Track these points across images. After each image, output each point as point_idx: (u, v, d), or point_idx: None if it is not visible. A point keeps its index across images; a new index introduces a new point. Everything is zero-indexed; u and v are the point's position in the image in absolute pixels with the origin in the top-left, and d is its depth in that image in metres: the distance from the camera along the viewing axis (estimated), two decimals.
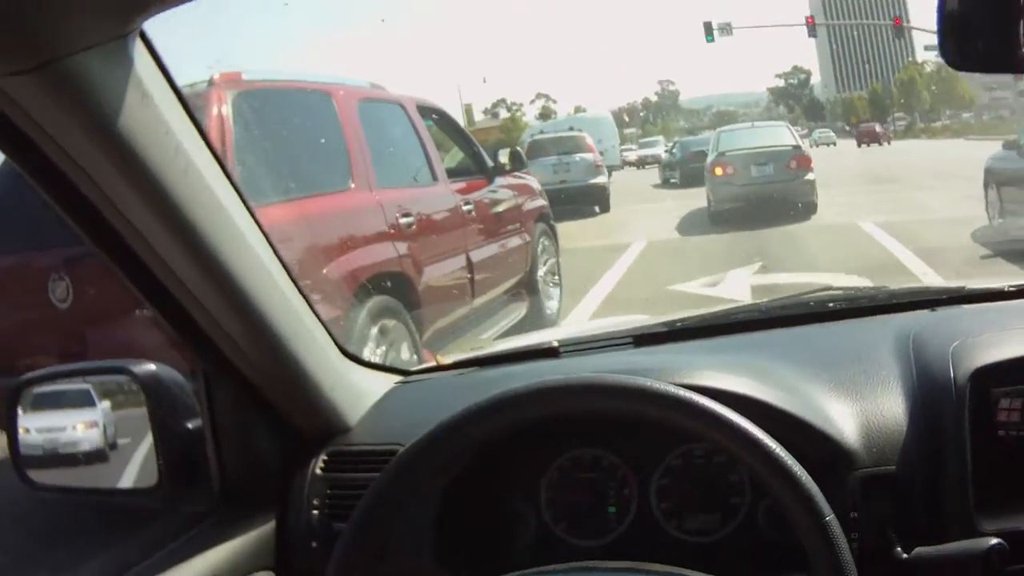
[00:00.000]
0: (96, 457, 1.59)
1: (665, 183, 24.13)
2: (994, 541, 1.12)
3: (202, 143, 1.17)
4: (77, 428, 1.56)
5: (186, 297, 1.24)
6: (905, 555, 1.17)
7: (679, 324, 1.73)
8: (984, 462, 1.24)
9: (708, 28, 31.92)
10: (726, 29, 33.15)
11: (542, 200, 7.87)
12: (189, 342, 1.33)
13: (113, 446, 1.59)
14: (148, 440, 1.44)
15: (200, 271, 1.20)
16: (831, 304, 1.76)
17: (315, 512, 1.42)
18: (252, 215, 1.27)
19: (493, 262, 6.40)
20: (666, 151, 29.66)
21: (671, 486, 1.36)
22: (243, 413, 1.42)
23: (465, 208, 6.17)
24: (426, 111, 6.41)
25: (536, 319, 6.87)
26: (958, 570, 1.14)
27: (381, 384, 1.64)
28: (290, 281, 1.36)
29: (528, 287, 7.04)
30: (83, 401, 1.58)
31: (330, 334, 1.49)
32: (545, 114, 61.41)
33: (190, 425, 1.43)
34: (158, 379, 1.40)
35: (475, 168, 6.85)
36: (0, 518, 3.40)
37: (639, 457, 1.38)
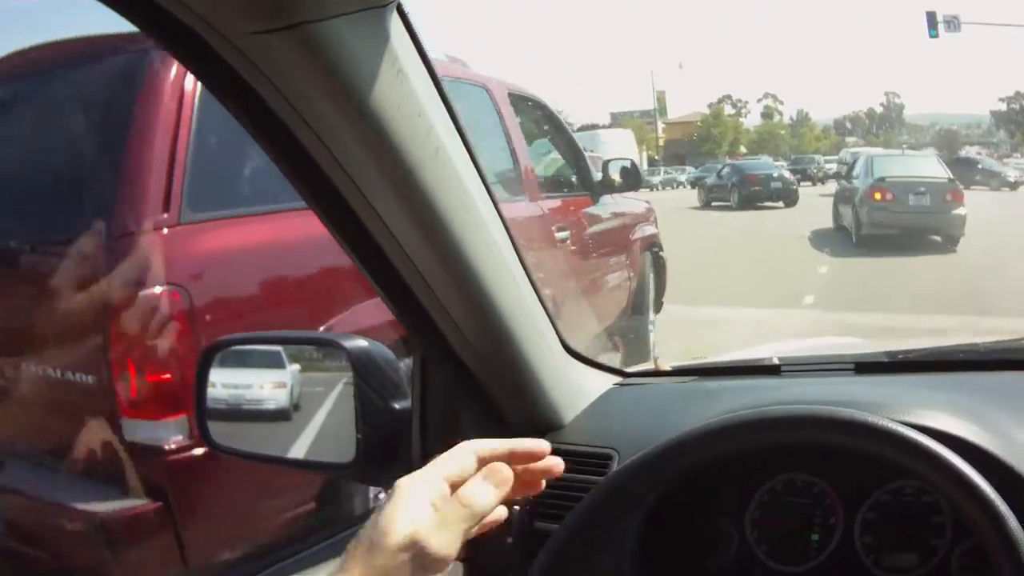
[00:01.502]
0: (279, 416, 1.62)
1: (706, 206, 23.83)
2: None
3: (454, 127, 1.16)
4: (264, 387, 1.59)
5: (414, 278, 1.25)
6: None
7: (901, 356, 1.68)
8: None
9: (932, 21, 29.26)
10: (953, 24, 30.35)
11: (654, 227, 7.00)
12: (411, 322, 1.33)
13: (297, 407, 1.60)
14: (327, 410, 1.47)
15: (435, 254, 1.20)
16: None
17: (516, 507, 1.39)
18: (495, 205, 1.27)
19: (585, 306, 5.45)
20: (711, 172, 28.61)
21: (877, 521, 1.34)
22: (455, 399, 1.43)
23: (559, 235, 5.14)
24: (520, 101, 5.32)
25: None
26: None
27: (598, 383, 1.60)
28: (525, 273, 1.35)
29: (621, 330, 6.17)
30: (274, 362, 1.60)
31: (555, 328, 1.46)
32: (768, 114, 58.25)
33: (396, 405, 1.44)
34: (369, 355, 1.41)
35: (578, 182, 5.86)
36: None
37: (850, 488, 1.37)
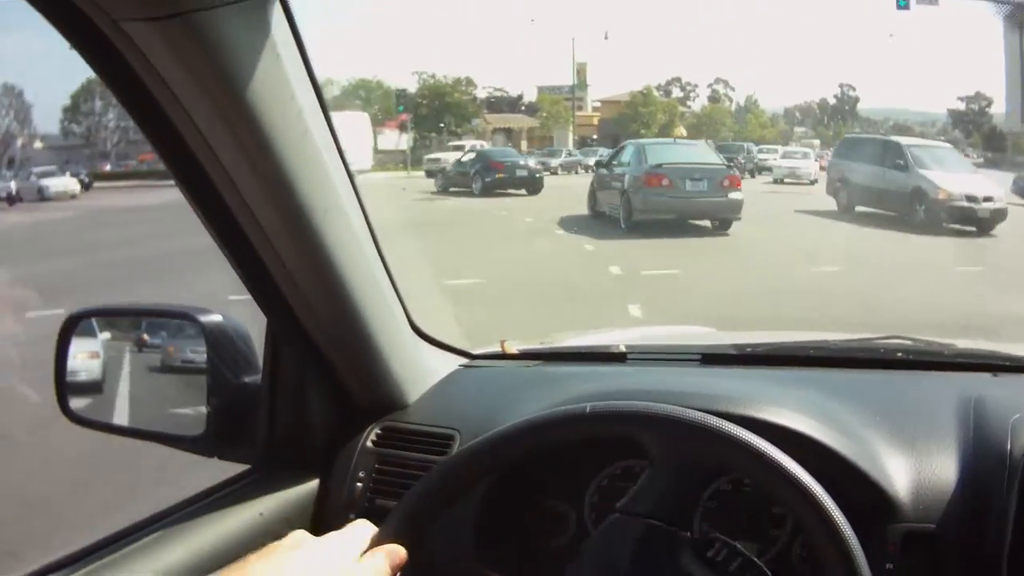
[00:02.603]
0: (92, 388, 1.59)
1: (443, 191, 23.24)
2: None
3: (323, 114, 1.19)
4: (78, 357, 1.53)
5: (271, 258, 1.26)
6: None
7: (748, 348, 1.75)
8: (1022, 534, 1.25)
9: None
10: None
11: None
12: (262, 296, 1.34)
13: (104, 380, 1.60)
14: (130, 380, 1.48)
15: (294, 235, 1.22)
16: (899, 354, 1.76)
17: (359, 484, 1.42)
18: (356, 190, 1.30)
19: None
20: (462, 157, 26.39)
21: (716, 510, 1.37)
22: (303, 375, 1.44)
23: None
24: None
25: None
26: None
27: (446, 364, 1.65)
28: (377, 253, 1.39)
29: None
30: (85, 331, 1.55)
31: (405, 308, 1.50)
32: (715, 98, 54.74)
33: (247, 380, 1.44)
34: (222, 329, 1.41)
35: None
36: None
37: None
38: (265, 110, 1.08)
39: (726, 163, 15.68)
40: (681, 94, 53.60)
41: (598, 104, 47.90)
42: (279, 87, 1.09)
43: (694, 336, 2.04)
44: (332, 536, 0.98)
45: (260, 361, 1.45)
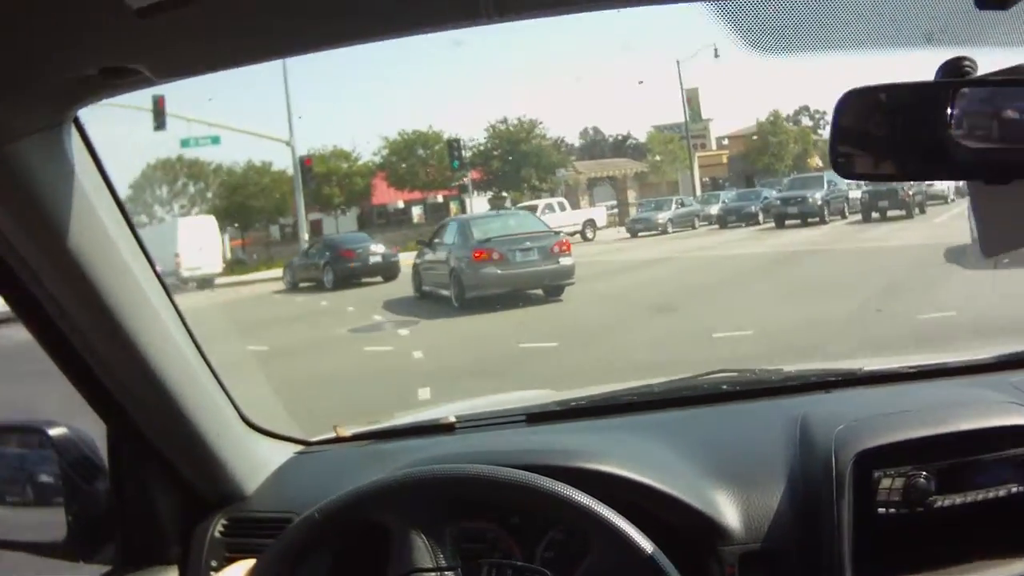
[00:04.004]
0: None
1: (292, 288, 21.55)
2: None
3: (128, 229, 1.31)
4: None
5: (92, 358, 1.36)
6: None
7: (572, 403, 1.85)
8: (865, 538, 1.34)
9: None
10: None
11: None
12: (95, 400, 1.43)
13: None
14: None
15: (115, 345, 1.33)
16: (724, 387, 1.85)
17: (213, 574, 1.49)
18: (169, 297, 1.41)
19: None
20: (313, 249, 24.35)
21: (556, 559, 1.43)
22: (146, 475, 1.52)
23: None
24: None
25: None
26: None
27: (281, 453, 1.74)
28: (196, 351, 1.48)
29: None
30: None
31: (233, 402, 1.59)
32: None
33: (100, 485, 1.52)
34: (70, 440, 1.50)
35: None
36: None
37: (523, 530, 1.46)
38: (70, 234, 1.18)
39: (552, 230, 15.85)
40: (811, 123, 44.48)
41: (725, 141, 41.06)
42: (80, 209, 1.19)
43: (521, 399, 2.14)
44: None
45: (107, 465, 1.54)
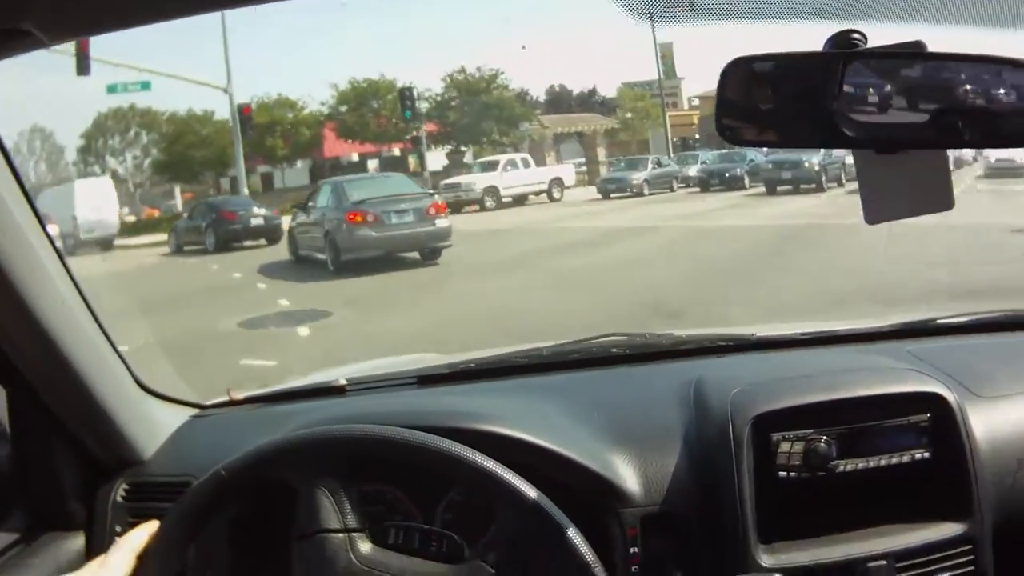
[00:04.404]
0: None
1: (177, 251, 20.55)
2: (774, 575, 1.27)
3: (16, 185, 1.29)
4: None
5: None
6: None
7: (462, 365, 1.85)
8: (767, 502, 1.35)
9: None
10: None
11: None
12: None
13: None
14: None
15: (2, 303, 1.30)
16: (614, 349, 1.83)
17: (117, 539, 1.46)
18: (63, 261, 1.41)
19: None
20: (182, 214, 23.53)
21: (455, 520, 1.42)
22: (47, 440, 1.52)
23: None
24: None
25: None
26: None
27: (177, 416, 1.74)
28: (89, 314, 1.47)
29: None
30: None
31: (128, 366, 1.59)
32: None
33: (1, 451, 1.52)
34: None
35: None
36: None
37: (421, 492, 1.45)
38: None
39: (427, 191, 15.42)
40: None
41: (696, 101, 37.27)
42: None
43: (413, 362, 2.14)
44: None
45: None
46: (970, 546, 1.36)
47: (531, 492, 1.20)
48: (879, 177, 1.06)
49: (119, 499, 1.55)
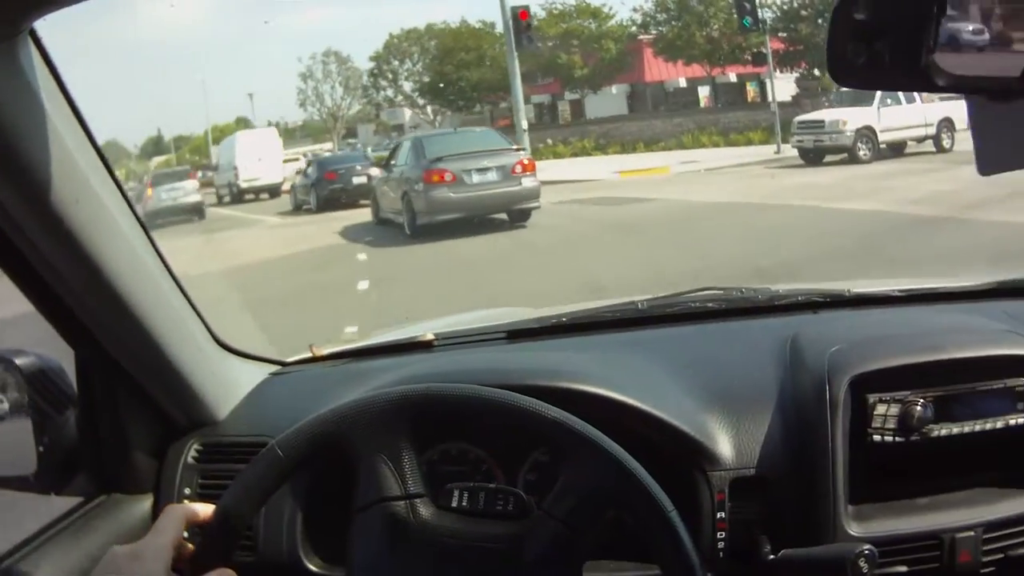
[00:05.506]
0: None
1: (297, 210, 20.51)
2: (864, 547, 1.19)
3: (88, 143, 1.24)
4: None
5: (58, 282, 1.30)
6: (772, 556, 1.26)
7: (552, 320, 1.81)
8: (859, 468, 1.33)
9: None
10: None
11: None
12: (62, 326, 1.40)
13: None
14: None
15: (72, 257, 1.26)
16: (711, 304, 1.81)
17: (186, 501, 1.47)
18: (133, 212, 1.36)
19: None
20: (299, 172, 23.21)
21: (538, 482, 1.40)
22: (116, 400, 1.50)
23: None
24: None
25: None
26: (824, 573, 1.22)
27: (256, 374, 1.71)
28: (166, 271, 1.44)
29: None
30: None
31: (205, 324, 1.56)
32: None
33: (70, 415, 1.49)
34: (39, 368, 1.44)
35: None
36: None
37: (505, 452, 1.45)
38: (31, 152, 1.12)
39: (515, 147, 14.10)
40: None
41: None
42: (40, 127, 1.13)
43: (504, 316, 2.09)
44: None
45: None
46: None
47: (608, 444, 1.09)
48: (994, 125, 0.99)
49: (191, 460, 1.54)
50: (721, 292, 1.85)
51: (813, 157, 17.03)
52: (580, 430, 1.07)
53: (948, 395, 1.34)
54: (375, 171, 17.64)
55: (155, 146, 54.45)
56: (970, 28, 0.87)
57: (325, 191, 18.63)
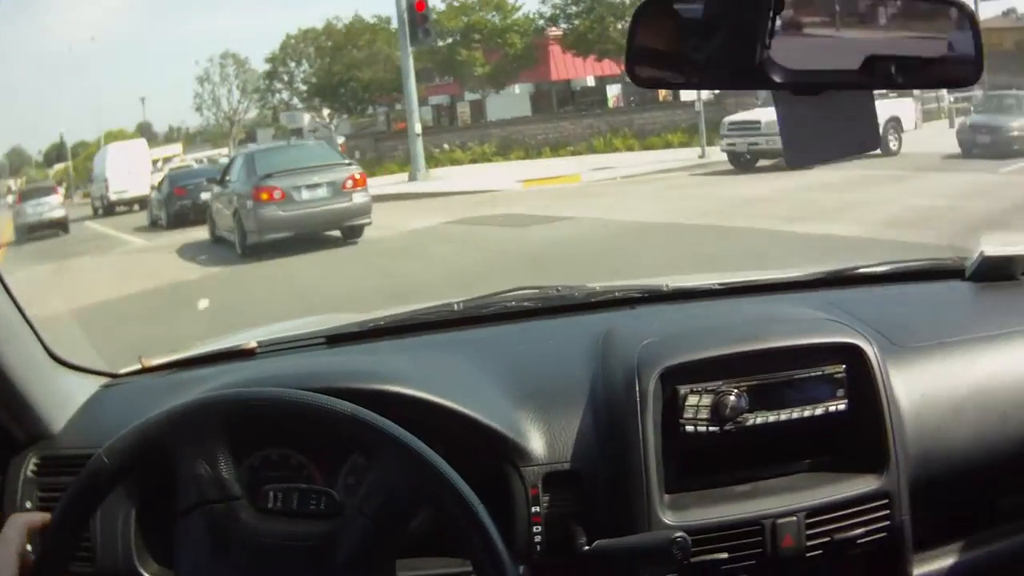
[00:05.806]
0: None
1: (153, 225, 19.86)
2: (676, 534, 1.25)
3: None
4: None
5: None
6: (586, 547, 1.32)
7: (371, 324, 1.86)
8: (674, 458, 1.39)
9: None
10: None
11: None
12: None
13: None
14: None
15: None
16: (527, 303, 1.87)
17: (12, 515, 1.44)
18: None
19: None
20: (153, 187, 22.60)
21: (357, 484, 1.36)
22: None
23: None
24: None
25: None
26: (639, 562, 1.27)
27: (89, 387, 1.74)
28: (3, 290, 1.50)
29: None
30: None
31: (39, 337, 1.60)
32: None
33: None
34: None
35: None
36: None
37: (324, 456, 1.47)
38: None
39: (346, 161, 14.09)
40: None
41: None
42: None
43: (325, 322, 2.17)
44: None
45: None
46: (885, 501, 1.40)
47: (410, 441, 1.12)
48: (801, 119, 1.06)
49: (30, 474, 1.55)
50: (537, 291, 1.92)
51: (746, 162, 16.11)
52: (381, 427, 1.11)
53: (765, 383, 1.40)
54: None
55: (58, 152, 52.53)
56: (808, 22, 0.94)
57: (175, 207, 18.40)
